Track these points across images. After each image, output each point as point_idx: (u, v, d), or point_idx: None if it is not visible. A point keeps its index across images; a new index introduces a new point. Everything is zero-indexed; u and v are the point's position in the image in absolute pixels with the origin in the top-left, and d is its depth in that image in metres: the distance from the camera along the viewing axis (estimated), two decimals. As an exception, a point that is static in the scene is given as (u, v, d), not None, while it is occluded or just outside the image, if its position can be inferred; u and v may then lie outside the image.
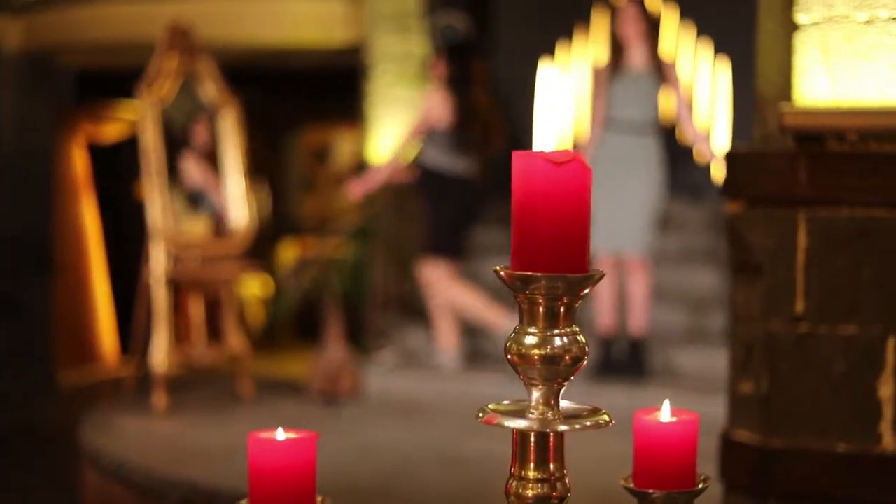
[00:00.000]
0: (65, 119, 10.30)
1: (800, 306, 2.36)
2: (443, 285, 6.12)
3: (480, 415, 1.08)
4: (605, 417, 1.10)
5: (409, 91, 8.05)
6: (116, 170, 10.60)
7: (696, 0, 7.37)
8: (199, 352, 6.02)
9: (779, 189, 2.36)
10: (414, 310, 6.83)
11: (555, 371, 1.07)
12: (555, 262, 1.01)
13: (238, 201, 6.07)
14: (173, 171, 6.48)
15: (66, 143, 10.40)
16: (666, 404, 1.29)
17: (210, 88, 6.10)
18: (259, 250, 12.29)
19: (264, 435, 1.24)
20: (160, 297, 5.74)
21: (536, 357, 1.06)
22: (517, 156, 1.01)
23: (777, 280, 2.38)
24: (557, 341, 1.05)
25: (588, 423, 1.07)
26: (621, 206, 5.74)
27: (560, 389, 1.10)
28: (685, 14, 7.42)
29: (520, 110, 7.88)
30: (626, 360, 5.93)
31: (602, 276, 1.06)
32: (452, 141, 6.13)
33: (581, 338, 1.08)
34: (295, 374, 6.87)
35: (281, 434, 1.24)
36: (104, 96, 10.63)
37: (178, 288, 6.13)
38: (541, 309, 1.04)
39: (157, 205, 5.61)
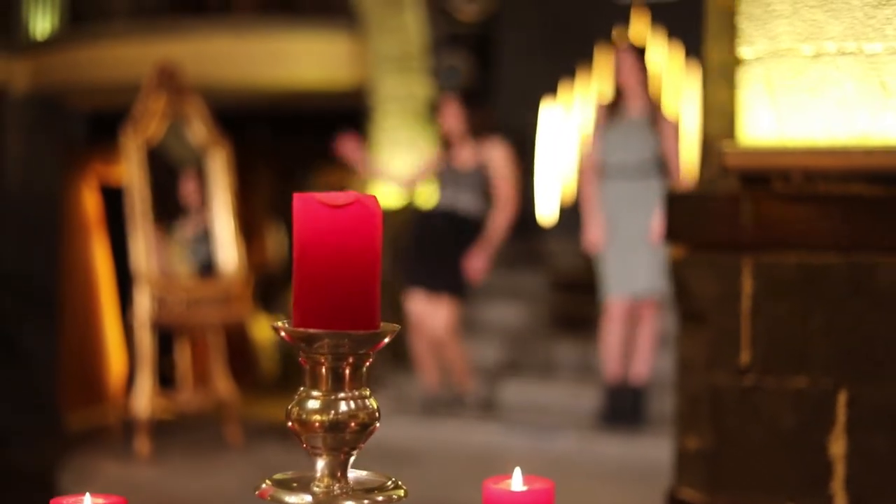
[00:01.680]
0: (74, 160, 10.28)
1: (745, 357, 2.23)
2: (455, 329, 5.97)
3: (263, 486, 0.95)
4: (400, 492, 0.97)
5: (412, 132, 7.99)
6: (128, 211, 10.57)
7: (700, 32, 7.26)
8: (185, 396, 5.91)
9: (722, 233, 2.24)
10: (406, 354, 6.70)
11: (340, 439, 0.94)
12: (339, 317, 0.89)
13: (226, 244, 5.98)
14: (172, 211, 6.49)
15: (76, 184, 10.38)
16: (517, 472, 1.16)
17: (199, 129, 6.03)
18: (274, 292, 12.22)
19: (68, 500, 1.12)
20: (144, 341, 5.65)
21: (318, 424, 0.93)
22: (296, 199, 0.89)
23: (721, 329, 2.25)
24: (343, 406, 0.93)
25: (379, 499, 0.94)
26: (632, 251, 5.60)
27: (348, 459, 0.97)
28: (690, 53, 7.32)
29: (522, 149, 7.78)
30: (627, 408, 5.78)
31: (395, 331, 0.94)
32: (473, 184, 6.00)
33: (372, 402, 0.96)
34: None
35: (88, 500, 1.12)
36: (117, 137, 10.62)
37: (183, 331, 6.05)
38: (324, 370, 0.92)
39: (141, 247, 5.53)
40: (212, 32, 8.65)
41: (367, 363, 0.95)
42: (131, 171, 5.67)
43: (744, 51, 2.20)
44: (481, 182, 5.97)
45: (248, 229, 13.14)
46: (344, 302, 0.88)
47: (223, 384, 5.99)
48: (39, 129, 9.57)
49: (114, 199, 10.61)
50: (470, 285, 6.13)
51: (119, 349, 10.36)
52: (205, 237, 6.25)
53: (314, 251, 0.87)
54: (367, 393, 0.96)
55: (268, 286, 13.04)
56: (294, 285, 0.90)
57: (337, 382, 0.93)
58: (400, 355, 6.75)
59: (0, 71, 9.26)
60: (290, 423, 0.94)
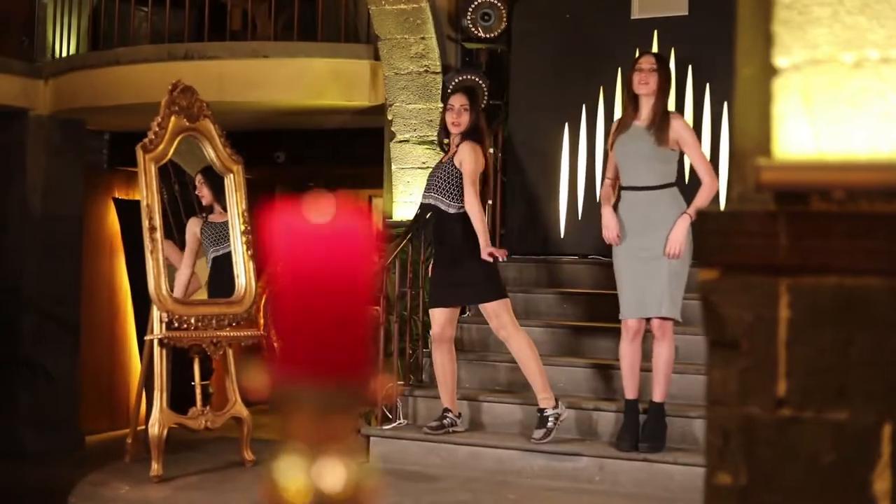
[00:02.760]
0: (97, 180, 10.23)
1: (782, 388, 2.08)
2: (515, 327, 5.83)
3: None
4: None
5: (430, 151, 7.90)
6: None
7: (711, 51, 7.13)
8: (199, 415, 5.79)
9: (756, 254, 2.08)
10: (420, 374, 6.59)
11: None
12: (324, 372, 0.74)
13: (240, 263, 5.87)
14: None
15: (98, 204, 10.32)
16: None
17: (212, 148, 5.93)
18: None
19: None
20: (157, 360, 5.54)
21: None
22: (263, 214, 0.75)
23: (756, 358, 2.10)
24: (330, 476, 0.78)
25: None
26: (643, 268, 5.45)
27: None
28: (699, 70, 7.16)
29: (541, 168, 7.65)
30: (647, 428, 5.62)
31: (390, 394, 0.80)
32: (454, 183, 5.95)
33: (365, 467, 0.81)
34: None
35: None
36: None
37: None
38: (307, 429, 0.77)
39: (153, 266, 5.42)
40: (232, 55, 8.58)
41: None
42: (144, 191, 5.57)
43: (779, 60, 2.06)
44: (458, 180, 5.91)
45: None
46: (327, 355, 0.73)
47: (237, 403, 5.87)
48: (62, 149, 9.51)
49: (136, 219, 10.53)
50: (497, 275, 5.97)
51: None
52: (220, 239, 6.29)
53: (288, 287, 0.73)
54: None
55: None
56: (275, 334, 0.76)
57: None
58: (417, 371, 6.62)
59: (23, 93, 9.21)
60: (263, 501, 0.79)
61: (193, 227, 6.83)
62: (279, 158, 10.59)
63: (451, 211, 5.90)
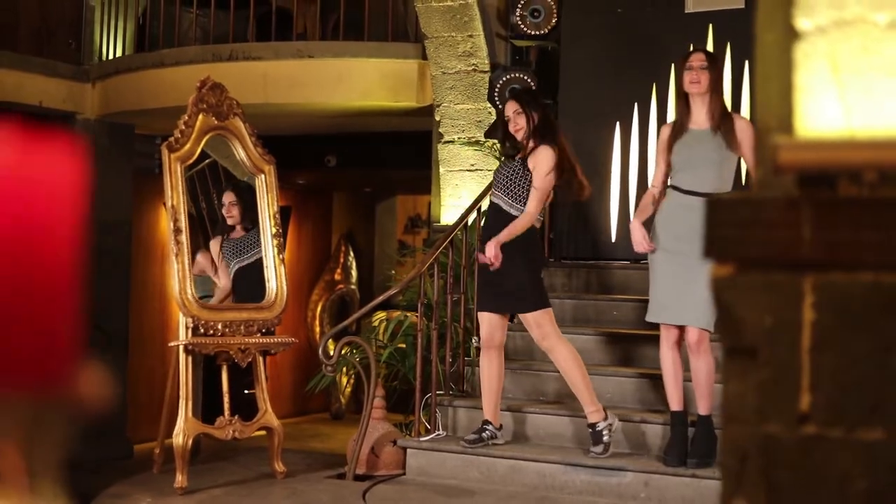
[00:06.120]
0: (148, 185, 10.15)
1: (806, 402, 1.80)
2: (558, 337, 5.56)
3: None
4: None
5: (479, 151, 7.69)
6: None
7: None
8: (226, 425, 5.59)
9: (776, 248, 1.81)
10: (461, 383, 6.34)
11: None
12: None
13: (269, 267, 5.67)
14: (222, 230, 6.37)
15: (150, 209, 10.24)
16: None
17: (242, 148, 5.74)
18: (348, 313, 11.91)
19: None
20: (182, 367, 5.36)
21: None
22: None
23: (776, 368, 1.83)
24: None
25: None
26: (685, 277, 5.17)
27: None
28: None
29: (591, 171, 7.36)
30: (695, 441, 5.32)
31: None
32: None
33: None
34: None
35: None
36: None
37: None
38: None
39: (177, 269, 5.23)
40: (277, 55, 8.43)
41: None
42: (169, 191, 5.39)
43: (802, 22, 1.78)
44: (525, 181, 5.64)
45: (325, 250, 12.93)
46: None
47: (268, 413, 5.67)
48: (110, 154, 9.41)
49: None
50: (540, 284, 5.73)
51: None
52: (241, 251, 6.14)
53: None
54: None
55: (342, 307, 12.79)
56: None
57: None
58: (458, 380, 6.38)
59: (70, 96, 9.14)
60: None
61: (215, 247, 6.71)
62: (330, 162, 10.44)
63: (513, 212, 5.63)
